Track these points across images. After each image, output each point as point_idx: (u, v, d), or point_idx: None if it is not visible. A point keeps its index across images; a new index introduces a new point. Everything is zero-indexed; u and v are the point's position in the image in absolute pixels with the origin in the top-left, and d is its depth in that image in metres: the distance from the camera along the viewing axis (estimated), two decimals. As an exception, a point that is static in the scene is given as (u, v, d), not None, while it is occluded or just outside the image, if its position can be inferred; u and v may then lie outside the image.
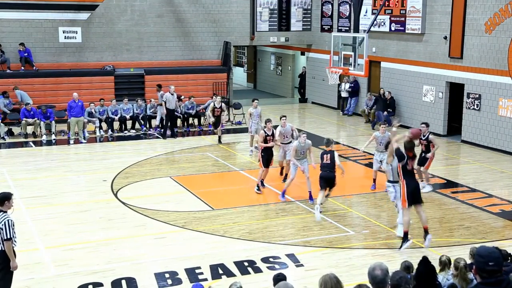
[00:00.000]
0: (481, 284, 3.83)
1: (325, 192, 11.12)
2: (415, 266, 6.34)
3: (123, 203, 11.94)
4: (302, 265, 9.06)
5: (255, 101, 16.02)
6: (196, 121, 19.78)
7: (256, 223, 10.81)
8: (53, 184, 13.30)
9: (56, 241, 9.97)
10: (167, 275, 8.64)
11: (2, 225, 7.03)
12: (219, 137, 17.38)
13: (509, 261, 6.90)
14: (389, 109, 19.34)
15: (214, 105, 17.05)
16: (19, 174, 14.04)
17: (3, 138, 17.45)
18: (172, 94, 17.98)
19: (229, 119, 20.44)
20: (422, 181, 12.39)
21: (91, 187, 13.13)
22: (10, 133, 17.99)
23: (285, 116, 13.36)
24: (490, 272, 3.80)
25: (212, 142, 17.69)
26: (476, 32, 16.80)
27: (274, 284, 5.48)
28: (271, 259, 9.20)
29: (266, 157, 12.63)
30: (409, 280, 4.51)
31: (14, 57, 20.37)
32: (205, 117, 19.68)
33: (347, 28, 21.52)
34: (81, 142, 17.33)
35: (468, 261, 6.52)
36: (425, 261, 5.64)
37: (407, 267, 6.36)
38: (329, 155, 11.13)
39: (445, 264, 6.65)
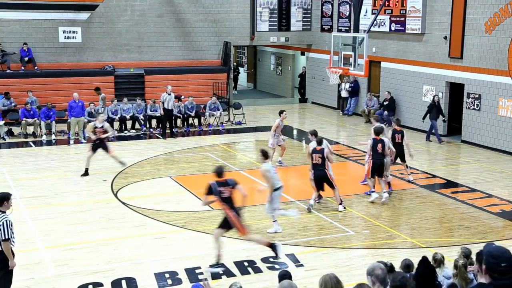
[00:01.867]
0: (489, 285, 3.78)
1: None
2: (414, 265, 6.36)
3: (123, 203, 11.97)
4: (302, 265, 9.07)
5: (284, 113, 14.67)
6: (196, 121, 19.79)
7: (256, 223, 10.80)
8: (53, 184, 13.32)
9: (56, 241, 10.00)
10: (167, 275, 8.66)
11: (0, 225, 7.04)
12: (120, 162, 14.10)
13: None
14: (443, 117, 17.94)
15: (95, 124, 14.02)
16: (19, 174, 14.07)
17: (3, 138, 17.46)
18: (169, 94, 17.98)
19: (229, 119, 20.46)
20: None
21: (91, 187, 13.15)
22: (10, 133, 18.01)
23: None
24: (502, 272, 3.74)
25: (212, 142, 17.70)
26: (476, 32, 16.81)
27: (280, 281, 5.47)
28: (271, 259, 9.19)
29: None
30: (411, 281, 4.51)
31: (15, 56, 20.42)
32: (205, 117, 19.72)
33: (347, 28, 21.54)
34: (81, 142, 17.34)
35: (460, 261, 6.51)
36: (425, 261, 5.66)
37: (407, 265, 6.37)
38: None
39: (440, 261, 6.65)
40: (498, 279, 3.74)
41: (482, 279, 3.87)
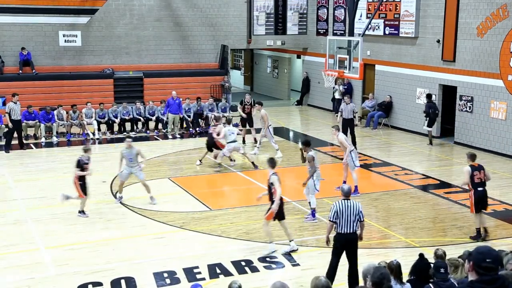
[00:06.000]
0: (476, 282, 3.83)
1: None
2: (405, 263, 6.59)
3: (122, 204, 12.14)
4: (298, 264, 9.23)
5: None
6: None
7: (253, 223, 10.97)
8: (54, 185, 13.46)
9: (57, 241, 10.15)
10: (165, 275, 8.80)
11: None
12: None
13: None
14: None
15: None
16: (20, 175, 14.23)
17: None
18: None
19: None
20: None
21: (91, 188, 13.22)
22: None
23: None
24: (486, 268, 3.79)
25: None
26: (468, 36, 17.06)
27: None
28: (267, 259, 9.36)
29: None
30: (388, 277, 4.70)
31: (15, 60, 20.60)
32: (211, 117, 19.96)
33: (342, 32, 21.77)
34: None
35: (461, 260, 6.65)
36: (421, 257, 6.09)
37: (440, 256, 6.52)
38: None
39: (456, 266, 6.36)
40: (484, 275, 3.80)
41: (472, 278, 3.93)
